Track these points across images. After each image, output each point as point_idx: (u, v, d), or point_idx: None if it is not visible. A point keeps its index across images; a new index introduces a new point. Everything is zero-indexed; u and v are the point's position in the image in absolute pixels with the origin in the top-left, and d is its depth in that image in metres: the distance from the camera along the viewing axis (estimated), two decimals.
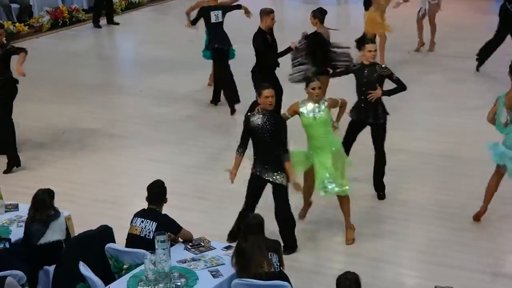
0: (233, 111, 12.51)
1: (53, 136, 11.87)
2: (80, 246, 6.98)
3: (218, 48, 12.47)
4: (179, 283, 6.54)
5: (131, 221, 7.24)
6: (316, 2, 18.82)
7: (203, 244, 7.22)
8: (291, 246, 8.23)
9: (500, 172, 8.68)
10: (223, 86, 12.81)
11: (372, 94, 8.95)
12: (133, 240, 7.12)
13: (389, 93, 9.15)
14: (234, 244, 6.86)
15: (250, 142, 8.07)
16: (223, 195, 9.77)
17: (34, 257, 7.13)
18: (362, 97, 9.12)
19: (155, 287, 6.45)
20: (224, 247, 7.17)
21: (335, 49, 10.74)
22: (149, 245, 6.80)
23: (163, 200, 7.27)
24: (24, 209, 7.68)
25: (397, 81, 9.12)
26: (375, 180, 9.45)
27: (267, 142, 7.89)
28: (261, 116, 7.89)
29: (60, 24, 18.45)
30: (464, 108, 12.45)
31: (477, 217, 8.87)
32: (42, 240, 7.15)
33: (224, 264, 6.87)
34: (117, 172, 10.58)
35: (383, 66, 9.24)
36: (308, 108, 8.20)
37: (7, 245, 7.06)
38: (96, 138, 11.77)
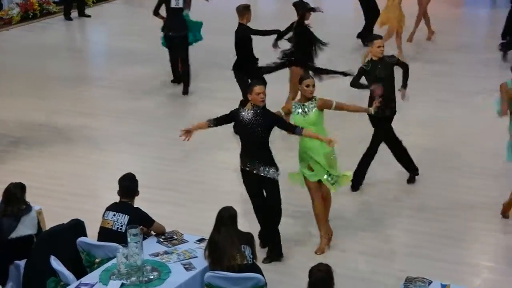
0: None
1: (25, 130, 11.75)
2: (52, 241, 6.93)
3: (172, 36, 12.81)
4: (152, 276, 6.52)
5: (103, 215, 7.20)
6: None
7: (175, 237, 7.20)
8: (280, 250, 8.12)
9: None
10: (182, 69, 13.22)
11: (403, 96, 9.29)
12: (105, 233, 7.08)
13: (405, 83, 9.40)
14: (206, 237, 6.85)
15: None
16: (196, 187, 9.76)
17: (4, 252, 7.07)
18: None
19: (128, 280, 6.43)
20: (197, 240, 7.14)
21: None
22: (121, 238, 6.76)
23: (135, 193, 7.23)
24: None
25: (402, 64, 9.32)
26: (362, 170, 9.45)
27: (257, 137, 7.78)
28: (251, 111, 7.80)
29: (30, 16, 18.26)
30: (442, 100, 12.47)
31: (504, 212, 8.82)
32: (13, 235, 7.09)
33: (197, 257, 6.85)
34: (88, 166, 10.51)
35: (389, 56, 9.29)
36: (299, 107, 8.08)
37: None
38: (68, 131, 11.67)
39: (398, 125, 9.52)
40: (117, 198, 7.24)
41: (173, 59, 13.42)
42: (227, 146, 10.91)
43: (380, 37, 9.41)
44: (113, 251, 6.69)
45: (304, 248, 8.35)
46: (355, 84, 9.23)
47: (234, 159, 10.43)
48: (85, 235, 7.13)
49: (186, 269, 6.69)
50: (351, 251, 8.26)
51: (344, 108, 8.26)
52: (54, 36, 17.37)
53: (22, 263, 7.07)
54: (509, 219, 8.76)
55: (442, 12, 17.00)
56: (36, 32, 17.61)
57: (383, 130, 9.28)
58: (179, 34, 12.85)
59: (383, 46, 9.16)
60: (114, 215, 7.09)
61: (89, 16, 18.69)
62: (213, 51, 14.82)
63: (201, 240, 7.10)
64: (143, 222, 7.07)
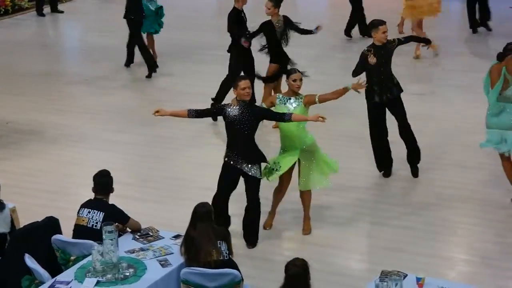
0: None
1: None
2: (26, 238, 6.87)
3: (134, 19, 13.21)
4: (128, 273, 6.49)
5: (78, 212, 7.15)
6: None
7: (151, 234, 7.17)
8: (254, 240, 8.21)
9: (505, 156, 8.71)
10: (141, 53, 13.61)
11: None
12: (80, 231, 7.04)
13: (424, 41, 9.83)
14: (182, 233, 6.83)
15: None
16: (171, 183, 9.73)
17: None
18: (382, 77, 9.16)
19: (103, 277, 6.40)
20: (173, 236, 7.12)
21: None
22: (96, 235, 6.73)
23: (110, 189, 7.19)
24: None
25: (403, 40, 9.45)
26: (412, 156, 9.56)
27: (243, 133, 7.79)
28: (237, 107, 7.77)
29: (2, 12, 18.07)
30: (418, 94, 12.50)
31: None
32: None
33: (173, 253, 6.83)
34: (62, 162, 10.44)
35: (390, 40, 9.25)
36: (283, 101, 8.08)
37: None
38: (41, 128, 11.58)
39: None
40: (92, 195, 7.20)
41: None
42: (203, 142, 10.91)
43: (384, 22, 9.28)
44: (88, 248, 6.65)
45: (280, 243, 8.36)
46: (357, 72, 9.19)
47: (210, 155, 10.47)
48: (60, 233, 7.08)
49: (162, 265, 6.67)
50: (327, 245, 8.27)
51: (328, 98, 8.23)
52: (26, 32, 17.21)
53: None
54: (484, 213, 8.82)
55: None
56: (8, 28, 17.43)
57: (401, 104, 9.34)
58: (128, 17, 13.26)
59: (387, 32, 9.14)
60: (89, 212, 7.05)
61: (62, 12, 18.54)
62: (194, 46, 14.84)
63: (177, 237, 7.08)
64: (119, 219, 7.03)
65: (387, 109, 9.39)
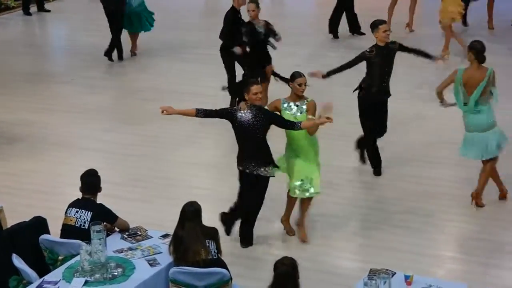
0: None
1: None
2: (13, 239, 6.85)
3: (109, 9, 13.80)
4: (116, 273, 6.47)
5: (66, 212, 7.13)
6: None
7: (139, 233, 7.16)
8: (250, 238, 8.22)
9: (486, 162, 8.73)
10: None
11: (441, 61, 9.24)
12: (68, 230, 7.02)
13: (429, 55, 9.52)
14: (171, 232, 6.82)
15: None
16: (160, 183, 9.72)
17: None
18: (386, 77, 9.18)
19: (91, 277, 6.38)
20: (161, 236, 7.11)
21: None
22: (84, 235, 6.71)
23: (98, 189, 7.17)
24: None
25: (406, 48, 9.32)
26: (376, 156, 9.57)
27: (257, 137, 7.75)
28: (249, 111, 7.72)
29: None
30: (400, 91, 12.49)
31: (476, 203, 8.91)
32: None
33: (161, 252, 6.82)
34: (50, 162, 10.40)
35: (393, 41, 9.24)
36: (290, 105, 7.98)
37: None
38: (29, 128, 11.53)
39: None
40: (79, 195, 7.18)
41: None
42: (192, 141, 10.89)
43: (384, 21, 9.30)
44: (76, 248, 6.63)
45: (269, 242, 8.36)
46: (345, 67, 9.21)
47: (199, 155, 10.50)
48: (48, 233, 7.06)
49: (151, 265, 6.65)
50: (316, 245, 8.28)
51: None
52: (13, 32, 17.15)
53: None
54: (470, 210, 8.85)
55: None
56: None
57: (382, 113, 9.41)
58: (116, 8, 13.86)
59: (389, 30, 9.13)
60: (77, 211, 7.03)
61: (48, 11, 18.47)
62: (180, 45, 14.83)
63: (165, 236, 7.06)
64: (107, 218, 7.01)
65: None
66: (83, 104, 12.49)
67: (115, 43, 14.16)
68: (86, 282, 6.34)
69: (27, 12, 18.17)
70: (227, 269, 6.56)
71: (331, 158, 9.33)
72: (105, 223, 6.83)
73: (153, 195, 9.42)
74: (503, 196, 8.99)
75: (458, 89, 8.51)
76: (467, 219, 8.76)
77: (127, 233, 7.14)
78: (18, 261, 6.57)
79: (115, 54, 14.27)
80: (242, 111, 7.76)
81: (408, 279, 6.27)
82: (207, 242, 6.61)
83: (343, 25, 15.21)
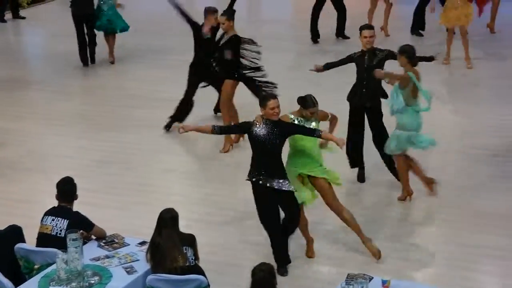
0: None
1: None
2: None
3: (75, 13, 14.06)
4: (93, 281, 6.43)
5: (41, 220, 7.07)
6: None
7: (116, 241, 7.12)
8: (287, 259, 7.96)
9: (402, 156, 8.89)
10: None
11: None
12: (44, 239, 6.96)
13: (425, 57, 9.30)
14: (148, 240, 6.79)
15: None
16: (136, 189, 9.68)
17: None
18: (364, 82, 9.17)
19: (68, 286, 6.33)
20: (138, 243, 7.08)
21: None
22: (61, 243, 6.66)
23: (74, 197, 7.13)
24: None
25: (395, 54, 9.17)
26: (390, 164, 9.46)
27: (272, 152, 7.63)
28: (264, 126, 7.60)
29: None
30: None
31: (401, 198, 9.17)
32: None
33: (138, 260, 6.79)
34: (25, 170, 10.32)
35: (381, 49, 9.25)
36: (300, 121, 7.80)
37: None
38: (2, 135, 11.44)
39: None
40: (55, 203, 7.13)
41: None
42: (169, 148, 10.87)
43: (368, 27, 9.28)
44: (53, 256, 6.57)
45: (247, 248, 8.35)
46: (331, 65, 9.34)
47: (175, 161, 10.47)
48: (23, 241, 6.99)
49: (128, 272, 6.62)
50: (294, 251, 8.26)
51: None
52: None
53: None
54: (444, 214, 8.90)
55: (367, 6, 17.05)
56: None
57: (378, 113, 9.40)
58: (83, 12, 14.11)
59: (371, 37, 9.09)
60: (53, 219, 6.98)
61: (23, 18, 18.38)
62: (157, 51, 14.78)
63: (142, 243, 7.03)
64: (83, 226, 6.97)
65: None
66: (58, 111, 12.43)
67: (81, 46, 14.33)
68: None
69: (1, 19, 18.07)
70: (204, 275, 6.55)
71: None
72: (81, 231, 6.80)
73: (129, 202, 9.38)
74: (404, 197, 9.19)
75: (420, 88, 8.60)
76: (444, 223, 8.81)
77: (103, 241, 7.10)
78: None
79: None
80: (258, 126, 7.66)
81: (385, 284, 6.29)
82: (184, 249, 6.60)
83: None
